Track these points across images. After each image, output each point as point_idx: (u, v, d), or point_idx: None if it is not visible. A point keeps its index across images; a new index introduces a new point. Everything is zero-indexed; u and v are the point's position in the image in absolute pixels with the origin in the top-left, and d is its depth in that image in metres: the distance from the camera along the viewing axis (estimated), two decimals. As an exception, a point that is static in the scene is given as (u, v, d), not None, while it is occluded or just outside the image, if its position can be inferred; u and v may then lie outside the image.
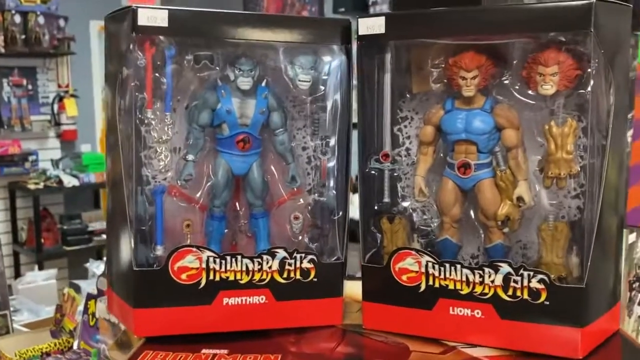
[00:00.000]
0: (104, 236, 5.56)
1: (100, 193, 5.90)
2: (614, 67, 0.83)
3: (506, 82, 0.87)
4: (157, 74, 0.90)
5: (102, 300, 1.37)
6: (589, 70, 0.80)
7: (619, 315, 0.94)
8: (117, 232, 0.95)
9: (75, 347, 1.49)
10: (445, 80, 0.89)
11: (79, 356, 1.44)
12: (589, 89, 0.80)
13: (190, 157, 0.93)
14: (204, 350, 0.87)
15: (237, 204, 0.98)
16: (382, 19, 0.89)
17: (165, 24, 0.87)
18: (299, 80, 0.95)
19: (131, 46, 0.87)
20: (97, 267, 4.29)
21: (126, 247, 0.91)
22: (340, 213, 0.98)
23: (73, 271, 5.15)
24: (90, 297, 1.42)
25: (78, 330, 1.51)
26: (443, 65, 0.89)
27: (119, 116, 0.92)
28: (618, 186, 0.88)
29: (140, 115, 0.90)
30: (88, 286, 3.84)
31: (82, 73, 5.86)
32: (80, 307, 1.55)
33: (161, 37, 0.88)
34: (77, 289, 3.02)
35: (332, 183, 0.98)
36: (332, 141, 0.97)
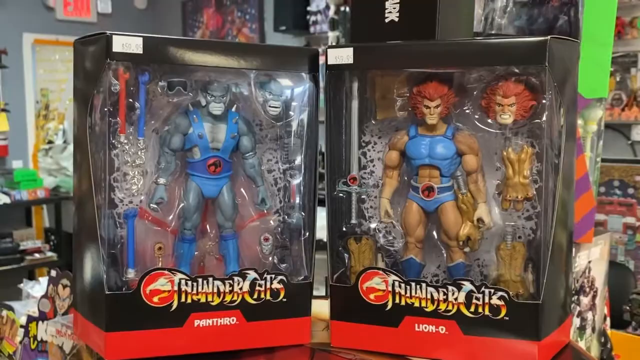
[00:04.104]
0: (37, 255, 5.38)
1: (33, 210, 5.73)
2: (564, 95, 0.89)
3: (467, 111, 0.92)
4: (130, 99, 0.91)
5: (49, 323, 1.35)
6: (544, 101, 0.87)
7: (570, 328, 1.00)
8: (85, 253, 0.95)
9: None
10: (410, 109, 0.94)
11: None
12: (544, 118, 0.86)
13: (161, 180, 0.95)
14: (177, 372, 0.88)
15: (207, 226, 0.99)
16: (350, 50, 0.93)
17: (140, 50, 0.88)
18: (269, 106, 0.98)
19: (105, 72, 0.88)
20: (31, 288, 4.15)
21: (96, 270, 0.91)
22: (308, 234, 1.01)
23: (3, 292, 4.98)
24: (31, 319, 1.40)
25: (18, 353, 1.47)
26: (408, 95, 0.94)
27: (89, 134, 0.92)
28: (567, 203, 0.94)
29: (113, 140, 0.91)
30: (22, 307, 3.71)
31: (13, 87, 5.71)
32: (21, 330, 1.51)
33: (135, 64, 0.90)
34: (10, 311, 2.93)
35: (299, 205, 1.01)
36: (300, 165, 1.01)
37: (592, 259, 1.74)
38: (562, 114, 0.89)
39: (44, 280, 3.36)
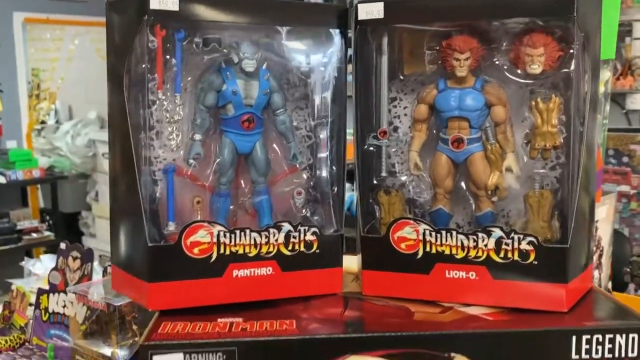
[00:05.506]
0: (34, 235, 5.37)
1: (29, 190, 5.72)
2: (587, 55, 0.92)
3: (497, 62, 0.95)
4: (167, 56, 0.93)
5: (61, 294, 1.36)
6: (571, 50, 0.89)
7: (592, 275, 1.04)
8: (125, 215, 0.98)
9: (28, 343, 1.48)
10: (440, 62, 0.97)
11: (33, 352, 1.43)
12: (572, 67, 0.89)
13: (197, 136, 0.97)
14: (219, 320, 0.91)
15: (242, 181, 1.02)
16: (381, 5, 0.95)
17: (176, 7, 0.90)
18: (300, 62, 1.00)
19: (142, 28, 0.90)
20: (32, 266, 4.17)
21: (137, 225, 0.94)
22: (337, 189, 1.04)
23: (2, 271, 4.99)
24: (41, 292, 1.43)
25: (30, 326, 1.49)
26: (437, 48, 0.96)
27: (127, 102, 0.93)
28: (590, 169, 0.98)
29: (151, 97, 0.93)
30: (25, 285, 3.74)
31: (5, 67, 5.66)
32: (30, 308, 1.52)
33: (171, 21, 0.91)
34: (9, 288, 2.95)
35: (329, 160, 1.04)
36: (330, 121, 1.03)
37: (598, 219, 1.78)
38: (586, 78, 0.92)
39: (44, 258, 3.38)
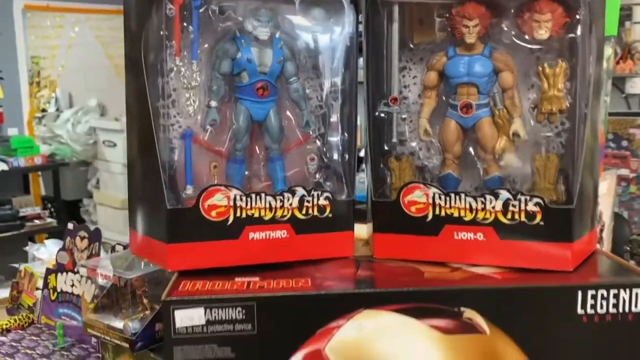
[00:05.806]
0: (37, 221, 5.36)
1: (30, 178, 5.74)
2: (592, 33, 0.95)
3: (505, 29, 0.98)
4: (184, 24, 0.96)
5: (69, 274, 1.38)
6: (578, 17, 0.92)
7: (596, 238, 1.07)
8: (144, 183, 1.02)
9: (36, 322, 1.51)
10: (449, 29, 0.99)
11: (41, 331, 1.46)
12: (579, 33, 0.92)
13: (213, 103, 1.00)
14: (237, 279, 0.94)
15: (256, 148, 1.05)
16: (392, -27, 0.98)
17: (192, -24, 0.93)
18: (312, 32, 1.03)
19: (160, -1, 0.93)
20: (37, 250, 4.20)
21: (156, 189, 0.97)
22: (348, 156, 1.07)
23: (4, 258, 5.00)
24: (49, 271, 1.46)
25: (38, 305, 1.52)
26: (447, 15, 0.99)
27: (146, 75, 0.96)
28: (594, 149, 1.01)
29: (169, 64, 0.95)
30: (32, 268, 3.77)
31: (6, 54, 5.65)
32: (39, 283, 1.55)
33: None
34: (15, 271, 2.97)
35: (340, 129, 1.07)
36: (341, 90, 1.06)
37: (599, 194, 1.81)
38: (591, 60, 0.94)
39: (49, 243, 3.40)
